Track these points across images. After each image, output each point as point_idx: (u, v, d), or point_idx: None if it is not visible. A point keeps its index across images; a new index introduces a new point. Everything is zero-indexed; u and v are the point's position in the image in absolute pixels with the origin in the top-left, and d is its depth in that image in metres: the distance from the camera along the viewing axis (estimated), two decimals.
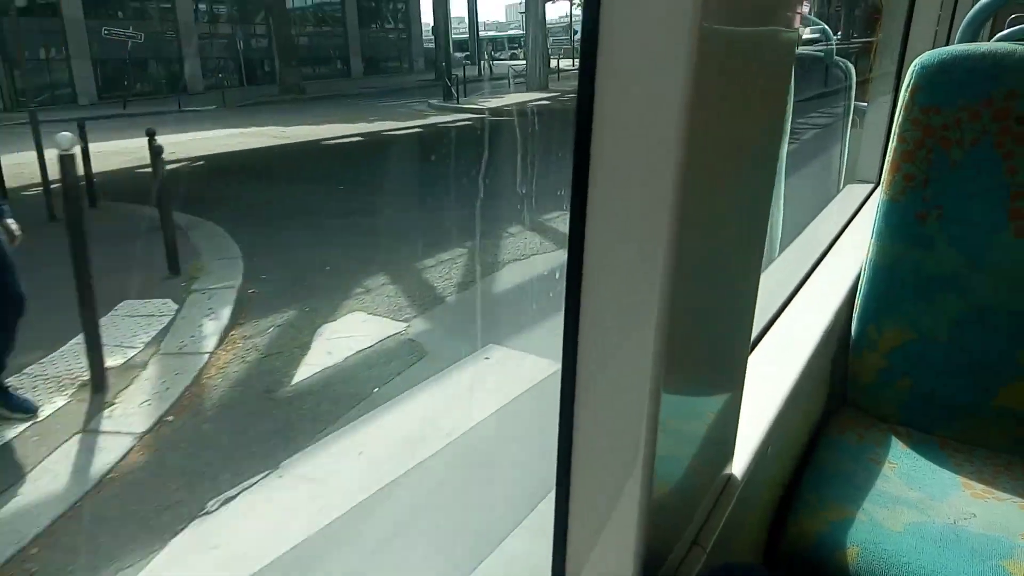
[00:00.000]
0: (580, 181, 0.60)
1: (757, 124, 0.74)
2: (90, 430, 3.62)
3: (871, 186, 2.21)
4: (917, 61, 1.30)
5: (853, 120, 2.50)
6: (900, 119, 1.32)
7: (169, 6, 27.11)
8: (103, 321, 4.42)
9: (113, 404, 3.85)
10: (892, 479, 1.22)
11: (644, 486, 0.66)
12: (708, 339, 0.78)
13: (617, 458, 0.67)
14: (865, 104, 2.44)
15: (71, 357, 4.28)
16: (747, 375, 0.93)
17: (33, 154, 8.07)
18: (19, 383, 3.94)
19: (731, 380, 0.89)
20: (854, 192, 2.20)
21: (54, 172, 6.15)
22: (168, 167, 7.15)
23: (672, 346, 0.62)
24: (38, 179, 7.89)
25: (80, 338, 4.08)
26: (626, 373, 0.64)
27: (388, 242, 6.79)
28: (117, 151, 11.05)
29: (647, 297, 0.60)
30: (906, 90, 1.30)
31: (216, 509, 3.00)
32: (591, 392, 0.67)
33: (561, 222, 6.78)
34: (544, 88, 22.75)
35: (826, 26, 2.63)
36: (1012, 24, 2.09)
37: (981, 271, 1.29)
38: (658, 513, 0.69)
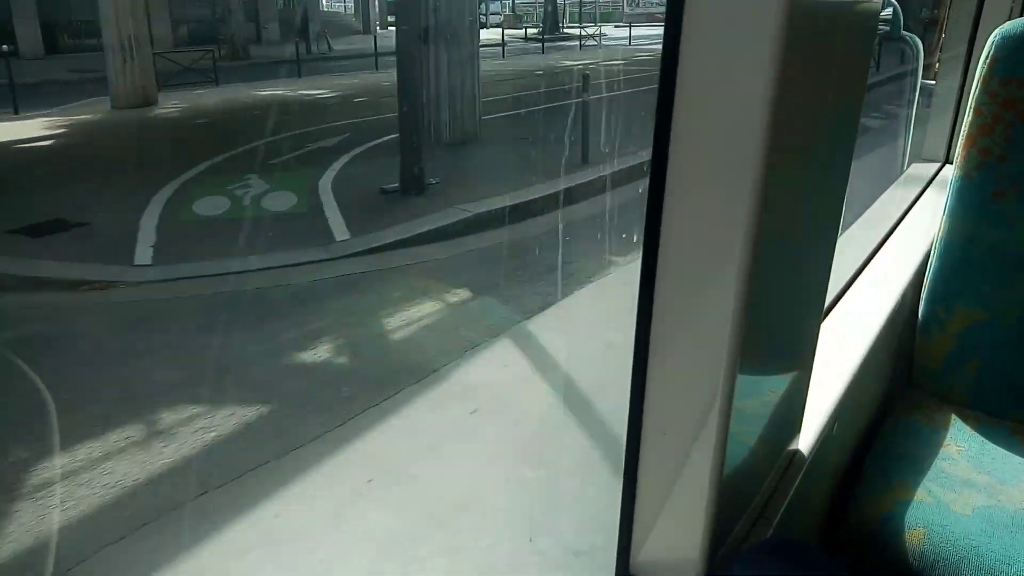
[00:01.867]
0: (660, 152, 0.59)
1: (838, 96, 0.73)
2: None
3: (938, 165, 2.14)
4: (997, 32, 1.25)
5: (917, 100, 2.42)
6: (977, 92, 1.27)
7: None
8: None
9: None
10: (960, 462, 1.19)
11: (715, 463, 0.66)
12: (782, 317, 0.77)
13: (688, 434, 0.67)
14: (932, 83, 2.35)
15: None
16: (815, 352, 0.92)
17: None
18: None
19: (801, 357, 0.88)
20: (920, 171, 2.13)
21: None
22: None
23: (748, 325, 0.61)
24: None
25: None
26: (701, 353, 0.63)
27: None
28: None
29: (724, 275, 0.59)
30: (984, 62, 1.26)
31: None
32: (664, 370, 0.66)
33: None
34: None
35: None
36: None
37: None
38: (726, 487, 0.68)
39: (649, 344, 0.66)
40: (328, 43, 26.19)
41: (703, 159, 0.58)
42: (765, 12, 0.53)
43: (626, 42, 27.26)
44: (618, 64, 19.52)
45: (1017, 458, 1.21)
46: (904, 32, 2.45)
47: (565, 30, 36.40)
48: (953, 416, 1.32)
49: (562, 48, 25.60)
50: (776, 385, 0.84)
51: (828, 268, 0.85)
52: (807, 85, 0.62)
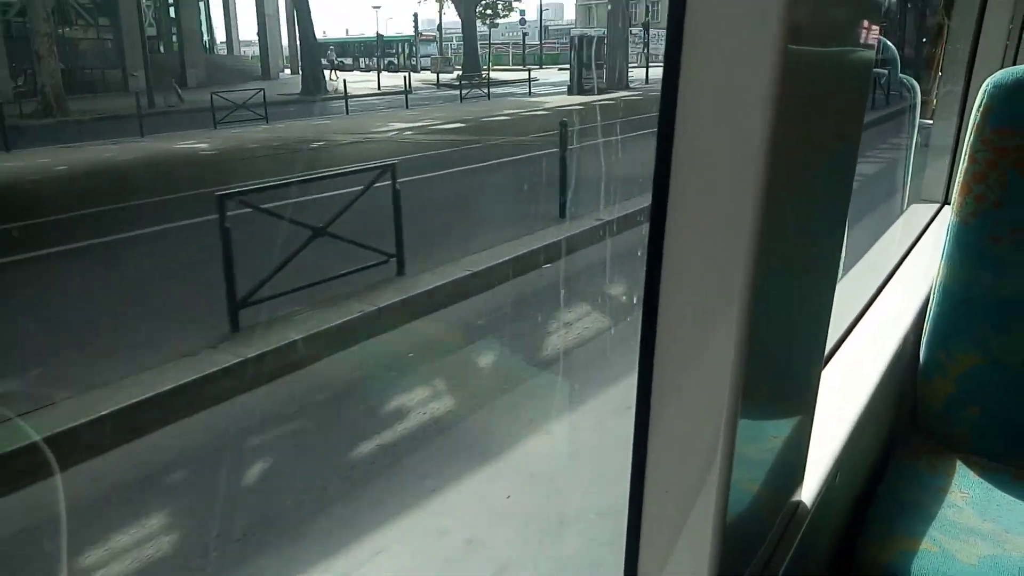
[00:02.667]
0: (659, 198, 0.60)
1: (834, 142, 0.73)
2: None
3: (937, 206, 2.16)
4: (989, 81, 1.27)
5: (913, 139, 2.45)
6: (971, 139, 1.29)
7: None
8: None
9: None
10: (964, 510, 1.18)
11: (718, 513, 0.66)
12: (783, 361, 0.77)
13: (691, 484, 0.66)
14: (929, 122, 2.38)
15: None
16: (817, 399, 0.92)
17: None
18: None
19: (803, 402, 0.88)
20: (919, 212, 2.15)
21: None
22: None
23: (750, 369, 0.62)
24: None
25: None
26: (703, 397, 0.64)
27: None
28: None
29: (726, 318, 0.59)
30: (977, 110, 1.27)
31: None
32: (666, 416, 0.67)
33: None
34: None
35: (888, 42, 2.58)
36: None
37: None
38: (729, 539, 0.68)
39: (651, 391, 0.66)
40: (178, 94, 23.01)
41: (702, 206, 0.59)
42: (762, 55, 0.54)
43: (557, 89, 26.03)
44: (474, 123, 16.56)
45: (1022, 505, 1.20)
46: (902, 75, 2.51)
47: (501, 74, 35.02)
48: (957, 462, 1.31)
49: (472, 97, 23.66)
50: (778, 431, 0.83)
51: (828, 312, 0.85)
52: (804, 129, 0.62)
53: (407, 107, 20.92)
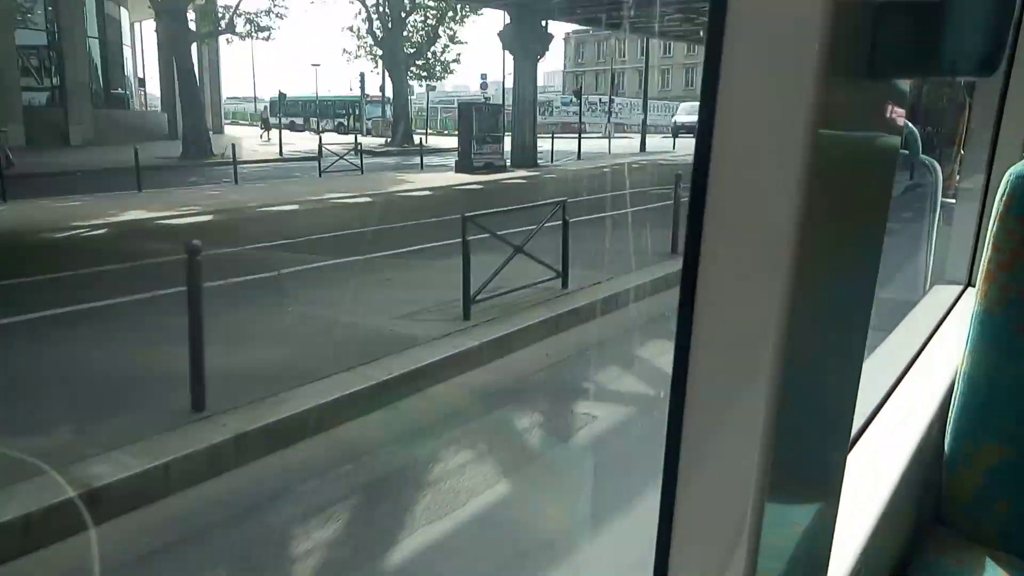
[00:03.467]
0: (688, 283, 0.61)
1: (862, 223, 0.75)
2: None
3: (960, 288, 2.14)
4: (1012, 171, 1.27)
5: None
6: (994, 228, 1.28)
7: None
8: None
9: None
10: None
11: None
12: (809, 446, 0.76)
13: (714, 566, 0.65)
14: (951, 201, 2.38)
15: None
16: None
17: None
18: None
19: (827, 491, 0.86)
20: (942, 293, 2.13)
21: None
22: None
23: (776, 452, 0.61)
24: None
25: None
26: (728, 477, 0.63)
27: None
28: None
29: (753, 398, 0.60)
30: (1000, 199, 1.27)
31: None
32: (691, 494, 0.65)
33: None
34: None
35: (910, 124, 2.58)
36: None
37: None
38: None
39: (677, 469, 0.65)
40: (7, 155, 19.29)
41: (731, 284, 0.60)
42: (793, 138, 0.55)
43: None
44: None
45: None
46: (923, 156, 2.50)
47: (444, 140, 32.64)
48: (985, 558, 1.27)
49: (342, 170, 21.15)
50: (802, 517, 0.81)
51: (854, 395, 0.84)
52: (833, 211, 0.63)
53: (233, 182, 18.17)
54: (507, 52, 23.84)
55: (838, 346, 0.77)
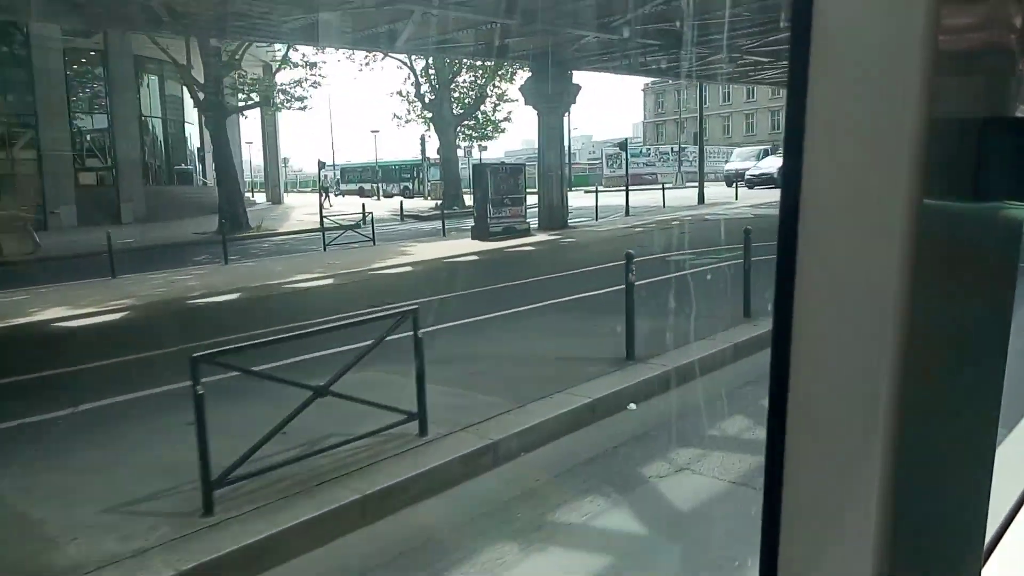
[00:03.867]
0: (781, 360, 0.56)
1: (981, 305, 0.68)
2: None
3: None
4: None
5: None
6: None
7: None
8: None
9: None
10: None
11: None
12: (932, 551, 0.67)
13: None
14: None
15: None
16: None
17: None
18: None
19: None
20: None
21: None
22: None
23: (895, 560, 0.55)
24: None
25: None
26: None
27: None
28: None
29: (864, 499, 0.54)
30: None
31: None
32: None
33: None
34: None
35: None
36: None
37: None
38: None
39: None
40: (34, 240, 19.35)
41: (829, 374, 0.54)
42: (890, 220, 0.50)
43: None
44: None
45: None
46: None
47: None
48: None
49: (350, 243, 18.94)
50: None
51: (988, 487, 0.72)
52: (943, 297, 0.57)
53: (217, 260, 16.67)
54: (532, 107, 21.85)
55: (964, 437, 0.69)
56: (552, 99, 21.35)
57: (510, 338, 8.24)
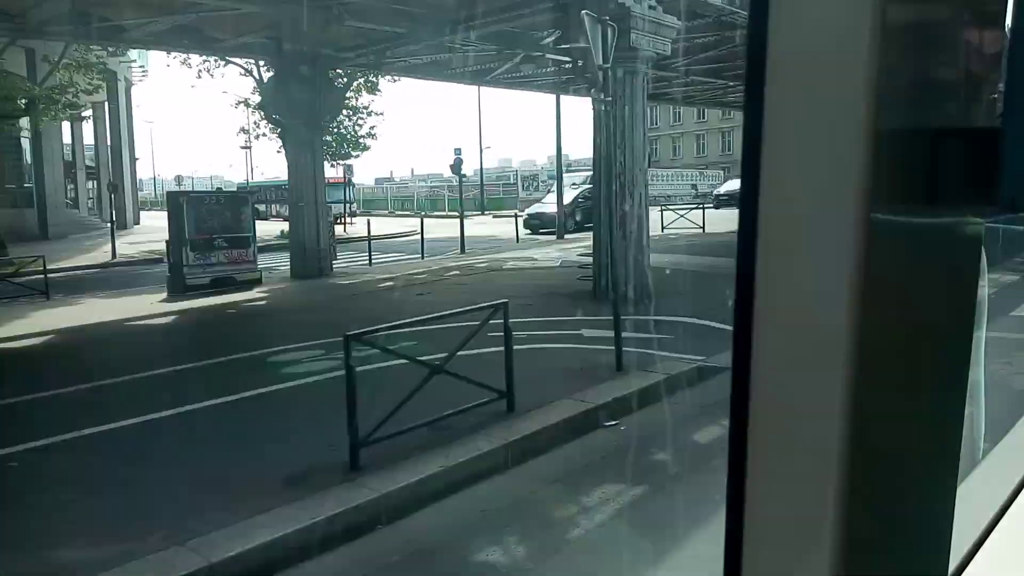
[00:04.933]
0: (741, 368, 0.56)
1: (941, 312, 0.67)
2: None
3: None
4: None
5: None
6: None
7: None
8: None
9: None
10: None
11: None
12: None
13: None
14: None
15: None
16: None
17: None
18: None
19: None
20: None
21: None
22: None
23: None
24: None
25: None
26: None
27: None
28: None
29: (818, 532, 0.55)
30: None
31: None
32: None
33: None
34: None
35: None
36: None
37: None
38: None
39: None
40: None
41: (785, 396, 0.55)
42: (840, 233, 0.51)
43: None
44: None
45: None
46: None
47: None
48: None
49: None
50: None
51: (951, 509, 0.72)
52: (898, 309, 0.58)
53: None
54: (268, 121, 16.65)
55: (926, 459, 0.69)
56: (300, 108, 15.54)
57: None
